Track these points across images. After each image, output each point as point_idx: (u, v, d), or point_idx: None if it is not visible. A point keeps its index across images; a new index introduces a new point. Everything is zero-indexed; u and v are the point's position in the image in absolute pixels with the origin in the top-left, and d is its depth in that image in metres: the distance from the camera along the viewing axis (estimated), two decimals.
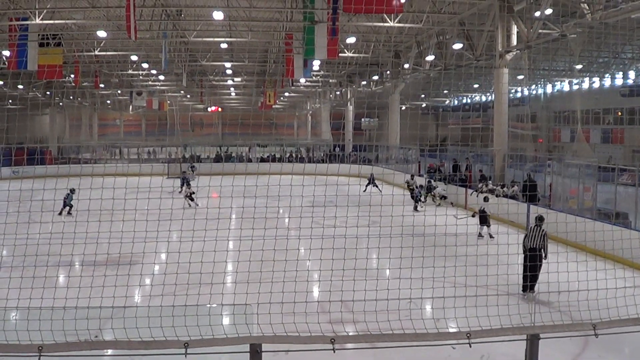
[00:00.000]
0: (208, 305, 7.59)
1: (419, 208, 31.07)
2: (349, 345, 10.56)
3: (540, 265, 15.48)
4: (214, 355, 6.84)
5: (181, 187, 35.35)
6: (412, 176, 36.08)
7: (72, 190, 26.00)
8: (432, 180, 35.15)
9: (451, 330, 6.83)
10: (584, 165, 27.34)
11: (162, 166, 48.79)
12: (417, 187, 34.03)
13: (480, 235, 23.83)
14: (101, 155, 63.14)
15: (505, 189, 30.30)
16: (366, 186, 38.22)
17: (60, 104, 67.45)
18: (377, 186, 38.19)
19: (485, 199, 25.33)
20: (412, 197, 33.03)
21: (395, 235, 8.35)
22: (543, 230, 16.41)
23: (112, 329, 6.96)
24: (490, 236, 23.53)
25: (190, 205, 29.28)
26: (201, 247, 7.93)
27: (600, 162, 28.67)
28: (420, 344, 6.70)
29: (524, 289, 15.10)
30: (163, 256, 18.39)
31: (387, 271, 8.60)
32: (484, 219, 24.53)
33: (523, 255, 15.43)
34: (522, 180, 30.92)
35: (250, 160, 56.09)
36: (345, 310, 8.11)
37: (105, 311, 7.21)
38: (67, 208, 26.72)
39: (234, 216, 20.98)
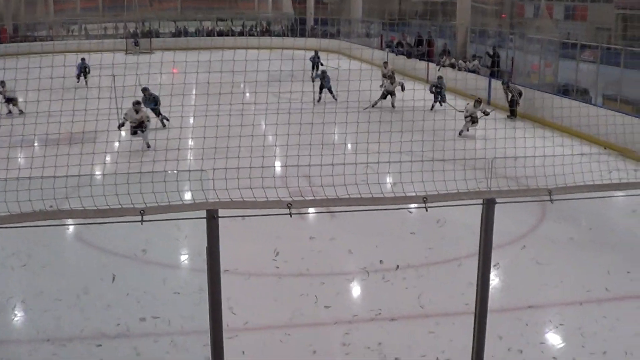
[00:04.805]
0: (163, 172, 7.50)
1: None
2: (306, 211, 10.74)
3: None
4: (170, 222, 6.78)
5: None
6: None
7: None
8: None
9: (408, 194, 6.81)
10: (547, 41, 27.30)
11: (122, 42, 47.89)
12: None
13: None
14: (58, 32, 61.68)
15: (467, 62, 30.23)
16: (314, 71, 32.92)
17: None
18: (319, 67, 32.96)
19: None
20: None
21: (353, 110, 8.27)
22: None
23: (67, 199, 6.84)
24: None
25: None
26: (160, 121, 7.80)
27: (562, 38, 28.55)
28: (377, 208, 6.69)
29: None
30: (123, 133, 18.38)
31: (346, 142, 8.57)
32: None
33: None
34: (484, 54, 30.86)
35: (211, 34, 55.25)
36: (302, 176, 8.05)
37: (59, 182, 7.09)
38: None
39: (194, 91, 20.76)
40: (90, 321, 9.21)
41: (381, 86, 26.00)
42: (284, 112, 8.02)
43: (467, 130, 20.71)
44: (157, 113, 20.84)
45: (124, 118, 17.98)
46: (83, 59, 28.68)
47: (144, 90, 19.62)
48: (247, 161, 7.28)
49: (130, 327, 9.02)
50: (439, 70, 30.94)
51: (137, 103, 18.23)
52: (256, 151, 7.66)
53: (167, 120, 20.40)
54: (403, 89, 24.19)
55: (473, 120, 20.88)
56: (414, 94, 8.93)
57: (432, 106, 24.21)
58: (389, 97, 25.02)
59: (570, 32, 48.31)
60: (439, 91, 25.01)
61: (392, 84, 25.03)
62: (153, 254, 11.01)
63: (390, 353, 8.56)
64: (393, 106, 24.52)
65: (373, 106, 23.17)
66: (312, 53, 34.61)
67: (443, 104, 24.69)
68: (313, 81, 25.60)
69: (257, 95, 8.89)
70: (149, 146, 18.22)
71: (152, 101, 20.40)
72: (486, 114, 21.14)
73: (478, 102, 21.51)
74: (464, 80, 26.82)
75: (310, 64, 33.78)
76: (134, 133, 18.48)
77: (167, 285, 10.12)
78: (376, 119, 8.02)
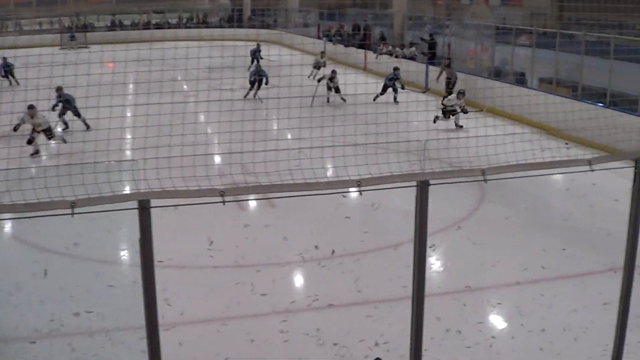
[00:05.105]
0: (93, 163, 7.37)
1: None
2: (241, 198, 10.68)
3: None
4: (102, 215, 6.66)
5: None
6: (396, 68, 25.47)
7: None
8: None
9: (341, 178, 6.78)
10: (483, 26, 27.60)
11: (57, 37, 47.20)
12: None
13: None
14: None
15: (404, 50, 30.36)
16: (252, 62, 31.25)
17: None
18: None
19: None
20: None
21: (284, 97, 8.23)
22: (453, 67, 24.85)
23: None
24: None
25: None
26: (94, 114, 7.67)
27: (498, 23, 28.85)
28: (311, 193, 6.64)
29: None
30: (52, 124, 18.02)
31: (278, 129, 8.50)
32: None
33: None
34: (420, 40, 31.03)
35: (147, 27, 54.70)
36: (235, 163, 7.99)
37: None
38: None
39: (126, 84, 20.51)
40: (23, 318, 9.03)
41: (309, 76, 25.58)
42: (215, 100, 7.94)
43: (442, 119, 19.80)
44: (77, 114, 19.37)
45: (21, 120, 16.70)
46: (4, 58, 28.32)
47: (58, 89, 18.42)
48: (179, 150, 7.20)
49: (65, 322, 8.85)
50: (376, 58, 31.01)
51: (30, 107, 16.62)
52: (188, 140, 7.58)
53: (85, 126, 18.92)
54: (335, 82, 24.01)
55: (452, 112, 20.16)
56: (345, 78, 8.90)
57: (376, 96, 23.09)
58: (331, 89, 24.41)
59: (506, 17, 48.85)
60: (393, 83, 24.32)
61: (332, 79, 24.29)
62: (85, 247, 10.81)
63: (329, 339, 8.54)
64: (344, 100, 23.87)
65: (328, 101, 23.03)
66: (254, 46, 33.44)
67: (399, 92, 24.01)
68: (251, 84, 24.58)
69: (189, 86, 8.81)
70: (64, 141, 17.02)
71: (66, 101, 19.12)
72: (464, 112, 20.37)
73: (461, 93, 20.72)
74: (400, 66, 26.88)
75: (250, 58, 32.18)
76: (29, 142, 16.60)
77: (100, 278, 9.98)
78: (309, 107, 8.00)
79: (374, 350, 8.24)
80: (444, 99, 20.73)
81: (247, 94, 23.75)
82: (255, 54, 32.05)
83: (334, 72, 24.23)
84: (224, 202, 6.30)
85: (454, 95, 20.75)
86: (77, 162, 6.98)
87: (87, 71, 7.99)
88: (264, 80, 24.16)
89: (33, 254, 11.07)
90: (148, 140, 7.32)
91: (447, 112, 20.16)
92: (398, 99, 23.47)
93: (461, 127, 19.82)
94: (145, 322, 6.19)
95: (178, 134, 7.46)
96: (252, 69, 26.27)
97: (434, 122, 18.50)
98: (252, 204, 13.34)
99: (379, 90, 23.69)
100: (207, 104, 7.96)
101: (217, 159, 10.72)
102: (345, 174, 6.67)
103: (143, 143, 7.29)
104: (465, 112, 20.40)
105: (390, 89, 24.22)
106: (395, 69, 24.84)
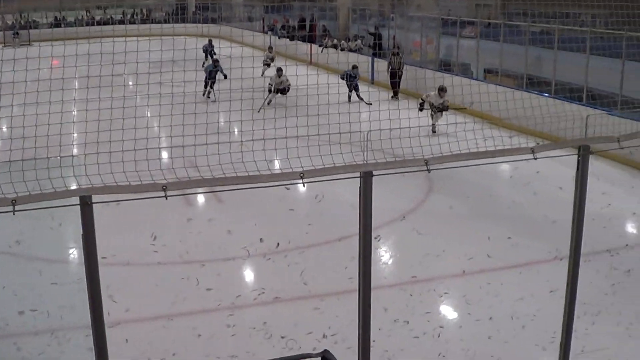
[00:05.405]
0: (33, 159, 7.24)
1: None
2: (184, 192, 10.64)
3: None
4: (44, 212, 6.55)
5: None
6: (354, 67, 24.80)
7: None
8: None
9: (284, 171, 6.76)
10: (428, 18, 27.74)
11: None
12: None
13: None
14: None
15: (349, 43, 30.43)
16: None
17: None
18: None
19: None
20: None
21: (225, 91, 8.19)
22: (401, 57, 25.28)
23: None
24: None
25: None
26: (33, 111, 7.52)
27: (442, 15, 29.03)
28: (254, 186, 6.60)
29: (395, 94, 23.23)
30: None
31: (219, 122, 8.42)
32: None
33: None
34: (366, 33, 31.18)
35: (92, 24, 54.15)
36: (177, 157, 7.89)
37: None
38: None
39: (75, 82, 20.05)
40: None
41: (262, 74, 25.18)
42: (155, 94, 7.84)
43: (437, 122, 17.69)
44: None
45: None
46: None
47: None
48: (120, 145, 7.10)
49: (9, 321, 8.76)
50: (322, 51, 30.97)
51: None
52: (129, 135, 7.48)
53: None
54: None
55: (440, 109, 18.65)
56: (287, 70, 8.85)
57: (349, 97, 22.76)
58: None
59: (451, 9, 49.16)
60: (351, 81, 23.65)
61: (279, 76, 22.94)
62: (28, 245, 10.68)
63: (276, 332, 8.53)
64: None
65: (268, 104, 22.41)
66: (205, 41, 32.59)
67: (356, 94, 23.21)
68: (206, 80, 23.89)
69: (132, 81, 8.69)
70: None
71: None
72: (445, 109, 18.82)
73: (443, 90, 18.97)
74: (346, 61, 26.85)
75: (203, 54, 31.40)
76: None
77: (44, 276, 9.83)
78: (251, 99, 7.92)
79: (322, 343, 8.23)
80: (423, 102, 19.58)
81: (205, 91, 23.30)
82: (207, 48, 31.59)
83: (279, 70, 23.43)
84: (166, 196, 6.23)
85: (434, 93, 19.30)
86: (17, 159, 6.86)
87: (28, 69, 7.85)
88: (222, 75, 23.54)
89: None
90: (89, 135, 7.22)
91: (436, 110, 18.64)
92: (362, 96, 22.75)
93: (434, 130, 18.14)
94: (91, 319, 6.10)
95: (119, 129, 7.37)
96: (207, 65, 25.94)
97: (434, 131, 17.49)
98: (198, 198, 13.30)
99: (334, 87, 23.14)
100: (148, 99, 7.85)
101: (160, 154, 10.57)
102: (289, 166, 6.64)
103: (84, 139, 7.17)
104: (446, 109, 18.92)
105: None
106: (354, 67, 24.18)
